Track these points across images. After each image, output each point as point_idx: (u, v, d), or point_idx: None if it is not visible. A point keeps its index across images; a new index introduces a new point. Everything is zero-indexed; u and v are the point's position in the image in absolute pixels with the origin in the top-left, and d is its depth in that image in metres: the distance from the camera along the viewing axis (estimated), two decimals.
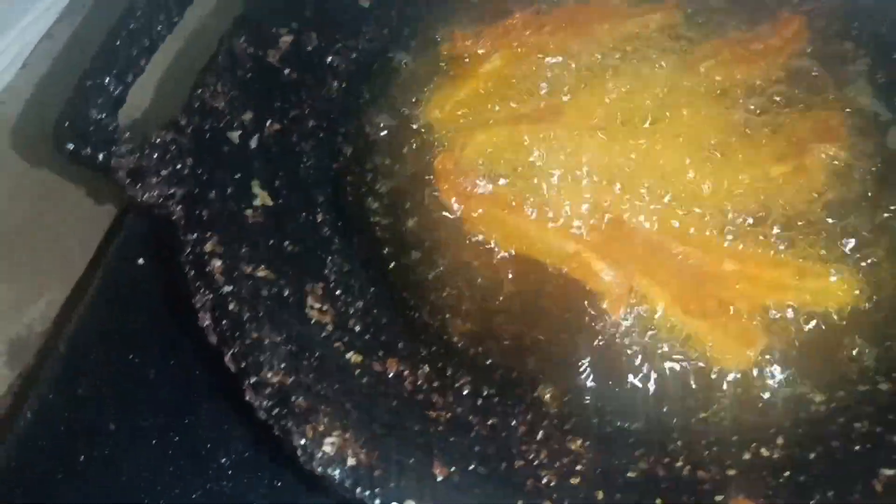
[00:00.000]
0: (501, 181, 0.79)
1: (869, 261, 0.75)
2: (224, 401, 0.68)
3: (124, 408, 0.78)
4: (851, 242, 0.77)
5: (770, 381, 0.70)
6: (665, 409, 0.69)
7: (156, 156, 0.73)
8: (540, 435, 0.65)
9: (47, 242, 0.97)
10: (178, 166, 0.73)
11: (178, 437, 0.72)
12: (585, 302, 0.73)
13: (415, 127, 0.83)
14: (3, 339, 0.92)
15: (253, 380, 0.62)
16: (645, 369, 0.70)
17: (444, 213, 0.77)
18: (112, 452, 0.73)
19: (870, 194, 0.81)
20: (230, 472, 0.69)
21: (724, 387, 0.70)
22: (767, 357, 0.71)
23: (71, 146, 0.73)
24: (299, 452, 0.60)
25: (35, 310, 0.95)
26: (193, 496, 0.69)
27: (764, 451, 0.66)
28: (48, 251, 0.97)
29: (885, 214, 0.79)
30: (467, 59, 0.88)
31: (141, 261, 0.87)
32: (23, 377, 0.90)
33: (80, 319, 0.88)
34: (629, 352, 0.71)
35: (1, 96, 1.09)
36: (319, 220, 0.76)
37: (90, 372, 0.83)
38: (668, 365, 0.70)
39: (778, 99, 0.86)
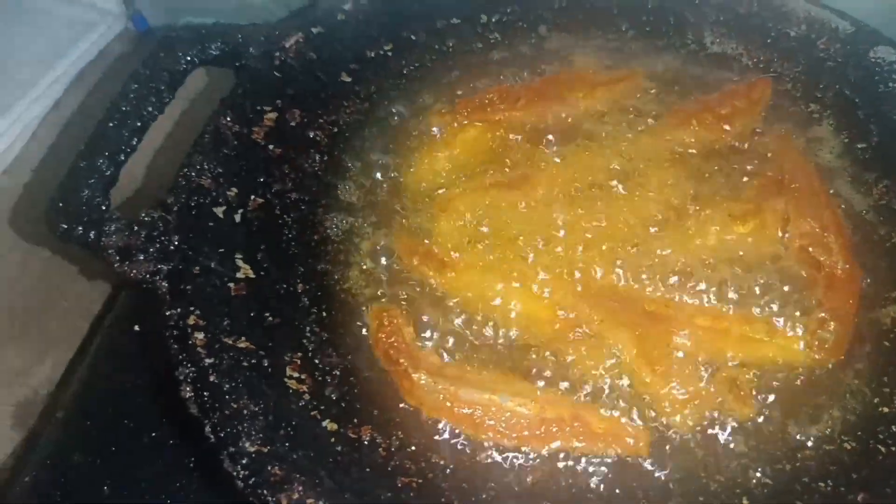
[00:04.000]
0: (479, 246, 0.82)
1: (826, 322, 0.77)
2: (207, 471, 0.70)
3: (117, 477, 0.81)
4: (810, 301, 0.80)
5: (731, 442, 0.72)
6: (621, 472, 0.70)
7: (143, 234, 0.77)
8: (509, 500, 0.67)
9: (51, 311, 1.02)
10: (165, 243, 0.76)
11: None
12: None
13: (392, 194, 0.87)
14: (10, 402, 0.96)
15: (231, 450, 0.65)
16: None
17: (420, 287, 0.80)
18: None
19: None
20: None
21: (686, 447, 0.71)
22: (729, 416, 0.73)
23: (63, 226, 0.77)
24: None
25: (41, 372, 0.99)
26: None
27: None
28: (52, 319, 1.02)
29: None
30: (444, 132, 0.92)
31: (137, 328, 0.92)
32: (26, 440, 0.94)
33: (80, 385, 0.92)
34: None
35: (9, 168, 1.14)
36: (299, 290, 0.79)
37: (87, 439, 0.87)
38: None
39: (738, 162, 0.89)
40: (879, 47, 0.96)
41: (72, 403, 0.90)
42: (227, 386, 0.69)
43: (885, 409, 0.73)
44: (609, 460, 0.71)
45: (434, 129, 0.92)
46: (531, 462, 0.70)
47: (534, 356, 0.76)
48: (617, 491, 0.69)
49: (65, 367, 0.98)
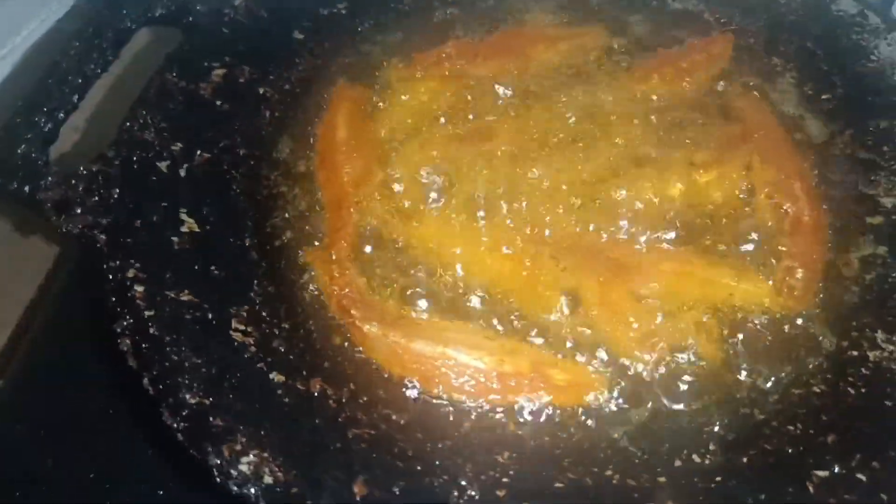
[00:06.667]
0: (433, 198, 0.79)
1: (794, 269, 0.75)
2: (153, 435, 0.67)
3: (61, 449, 0.78)
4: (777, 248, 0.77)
5: (696, 386, 0.69)
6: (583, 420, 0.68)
7: (81, 187, 0.73)
8: (465, 450, 0.64)
9: None
10: (104, 196, 0.73)
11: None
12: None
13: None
14: None
15: (170, 401, 0.61)
16: None
17: (374, 235, 0.77)
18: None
19: None
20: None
21: (649, 392, 0.69)
22: (694, 361, 0.70)
23: None
24: (215, 472, 0.59)
25: None
26: None
27: (696, 458, 0.65)
28: None
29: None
30: (401, 88, 0.89)
31: (82, 293, 0.88)
32: None
33: (24, 354, 0.88)
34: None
35: None
36: (247, 244, 0.75)
37: (30, 410, 0.83)
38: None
39: (700, 115, 0.87)
40: (842, 0, 0.95)
41: (15, 372, 0.86)
42: (168, 338, 0.66)
43: (854, 353, 0.71)
44: (569, 409, 0.67)
45: (389, 83, 0.89)
46: (490, 412, 0.67)
47: (494, 307, 0.73)
48: (579, 439, 0.66)
49: (9, 335, 0.94)
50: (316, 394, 0.66)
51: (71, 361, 0.82)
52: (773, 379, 0.70)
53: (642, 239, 0.77)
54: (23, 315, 0.87)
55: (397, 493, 0.60)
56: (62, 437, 0.78)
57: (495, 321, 0.72)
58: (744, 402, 0.69)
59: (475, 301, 0.73)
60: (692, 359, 0.71)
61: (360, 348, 0.69)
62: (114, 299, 0.67)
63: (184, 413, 0.61)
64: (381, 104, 0.88)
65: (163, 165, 0.77)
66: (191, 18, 0.90)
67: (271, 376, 0.66)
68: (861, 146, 0.85)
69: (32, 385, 0.82)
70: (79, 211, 0.72)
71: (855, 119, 0.87)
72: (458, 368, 0.67)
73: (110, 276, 0.69)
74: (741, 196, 0.81)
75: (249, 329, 0.69)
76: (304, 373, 0.67)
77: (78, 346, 0.81)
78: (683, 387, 0.69)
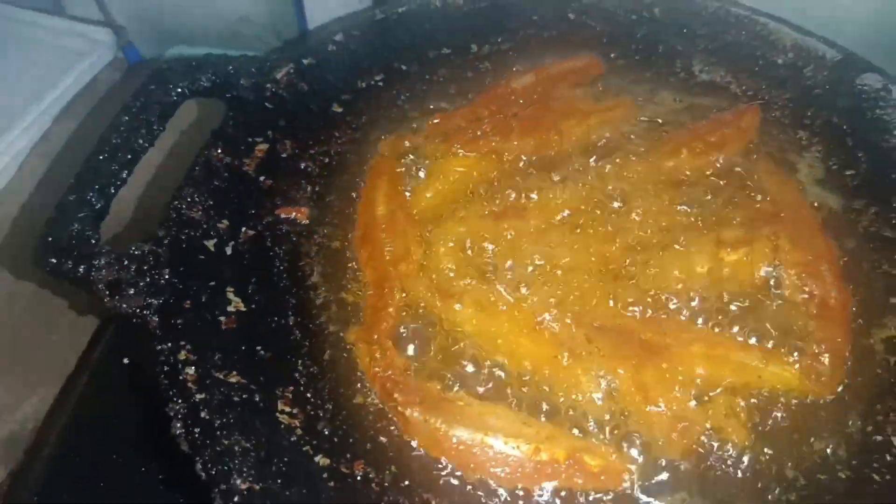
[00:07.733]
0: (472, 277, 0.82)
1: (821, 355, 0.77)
2: None
3: None
4: (804, 330, 0.79)
5: (726, 470, 0.71)
6: None
7: (133, 268, 0.76)
8: None
9: (39, 345, 1.01)
10: (155, 277, 0.76)
11: None
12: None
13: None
14: None
15: (222, 487, 0.64)
16: None
17: (414, 315, 0.80)
18: None
19: None
20: None
21: (678, 478, 0.71)
22: (723, 445, 0.72)
23: (52, 261, 0.76)
24: None
25: (28, 407, 0.98)
26: None
27: None
28: (40, 354, 1.01)
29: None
30: (437, 162, 0.92)
31: (126, 360, 0.91)
32: (12, 476, 0.93)
33: (68, 420, 0.91)
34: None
35: None
36: (290, 323, 0.78)
37: (74, 477, 0.85)
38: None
39: (728, 190, 0.89)
40: (866, 75, 0.97)
41: (59, 440, 0.89)
42: (219, 422, 0.68)
43: (879, 438, 0.73)
44: (604, 496, 0.70)
45: (427, 159, 0.92)
46: (526, 497, 0.69)
47: (532, 390, 0.75)
48: None
49: (52, 402, 0.97)
50: (359, 477, 0.69)
51: (116, 442, 0.85)
52: (799, 464, 0.72)
53: (672, 319, 0.79)
54: (76, 396, 0.90)
55: None
56: None
57: (533, 405, 0.74)
58: (769, 488, 0.70)
59: (514, 384, 0.75)
60: (722, 444, 0.72)
61: (402, 431, 0.72)
62: (166, 382, 0.70)
63: (235, 499, 0.64)
64: (418, 179, 0.90)
65: (210, 244, 0.81)
66: (234, 92, 0.94)
67: (317, 459, 0.69)
68: (886, 224, 0.86)
69: (79, 466, 0.85)
70: (131, 292, 0.75)
71: (879, 196, 0.88)
72: (496, 455, 0.69)
73: (162, 359, 0.71)
74: (769, 276, 0.82)
75: (295, 411, 0.72)
76: (348, 455, 0.70)
77: (124, 423, 0.84)
78: (712, 473, 0.71)
